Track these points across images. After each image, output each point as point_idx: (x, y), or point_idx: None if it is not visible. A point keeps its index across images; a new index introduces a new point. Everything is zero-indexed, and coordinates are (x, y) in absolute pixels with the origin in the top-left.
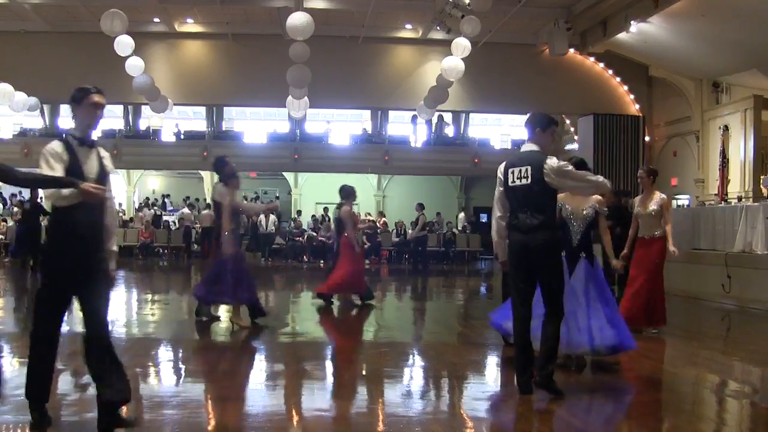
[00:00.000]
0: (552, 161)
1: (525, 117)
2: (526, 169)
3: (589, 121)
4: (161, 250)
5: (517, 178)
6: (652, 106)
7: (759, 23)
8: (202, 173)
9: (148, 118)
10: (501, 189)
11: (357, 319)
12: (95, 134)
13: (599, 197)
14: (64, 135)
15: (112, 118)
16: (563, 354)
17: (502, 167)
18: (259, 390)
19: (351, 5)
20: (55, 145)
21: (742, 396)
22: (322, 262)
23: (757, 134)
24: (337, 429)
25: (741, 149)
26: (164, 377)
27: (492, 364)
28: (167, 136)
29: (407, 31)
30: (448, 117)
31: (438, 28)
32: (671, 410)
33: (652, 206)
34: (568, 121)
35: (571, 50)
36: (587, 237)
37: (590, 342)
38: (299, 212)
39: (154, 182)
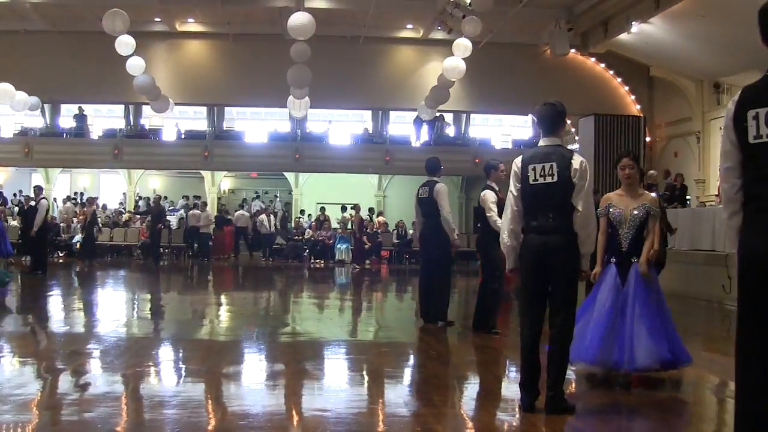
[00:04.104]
0: (580, 159)
1: (525, 117)
2: (551, 166)
3: (590, 122)
4: (162, 250)
5: (540, 176)
6: (653, 106)
7: (758, 24)
8: (203, 173)
9: (149, 118)
10: (519, 186)
11: (357, 319)
12: (95, 133)
13: (652, 196)
14: None
15: (113, 118)
16: (606, 371)
17: (518, 163)
18: (259, 390)
19: (352, 5)
20: None
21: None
22: (321, 261)
23: None
24: (337, 429)
25: None
26: (164, 377)
27: (493, 363)
28: (168, 136)
29: (408, 31)
30: (449, 117)
31: (439, 28)
32: (671, 410)
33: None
34: (569, 122)
35: (572, 51)
36: (638, 240)
37: (634, 360)
38: (302, 212)
39: (154, 182)
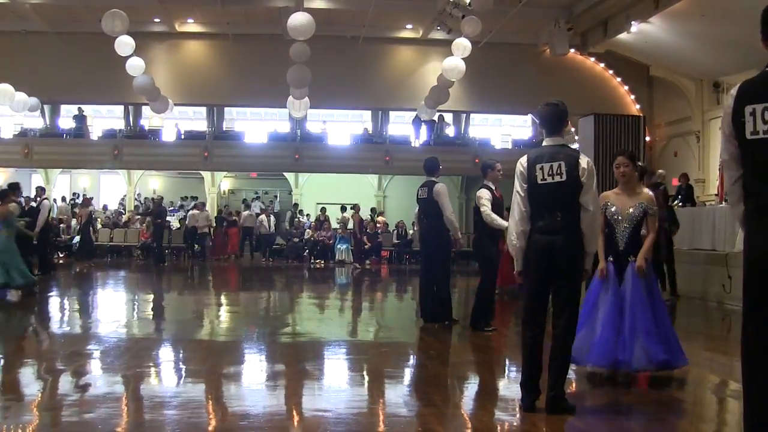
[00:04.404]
0: (587, 159)
1: (525, 116)
2: (560, 165)
3: (590, 121)
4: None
5: (549, 175)
6: (653, 106)
7: (759, 23)
8: (203, 173)
9: (149, 119)
10: (525, 186)
11: (357, 319)
12: (95, 134)
13: (649, 195)
14: None
15: (113, 119)
16: (610, 371)
17: (524, 163)
18: (260, 390)
19: (352, 5)
20: None
21: (742, 396)
22: (321, 262)
23: None
24: (338, 429)
25: None
26: (165, 377)
27: (493, 363)
28: (168, 137)
29: (408, 32)
30: (448, 117)
31: (439, 28)
32: (671, 410)
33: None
34: (568, 121)
35: (572, 50)
36: (635, 239)
37: (632, 358)
38: (301, 212)
39: (154, 182)
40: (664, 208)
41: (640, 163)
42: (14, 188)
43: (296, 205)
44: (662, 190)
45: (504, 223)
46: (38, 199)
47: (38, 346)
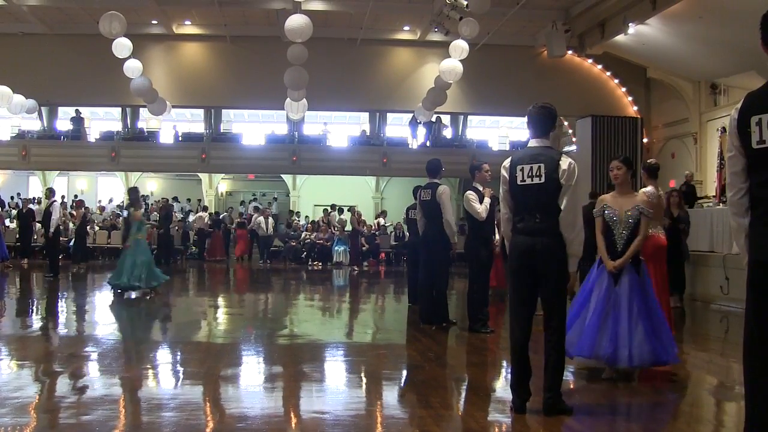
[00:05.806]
0: (569, 161)
1: (523, 118)
2: (539, 167)
3: (588, 123)
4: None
5: (528, 177)
6: (650, 107)
7: (757, 25)
8: (201, 175)
9: (147, 121)
10: (506, 188)
11: (355, 321)
12: (92, 136)
13: (644, 197)
14: None
15: (110, 121)
16: (607, 368)
17: (507, 164)
18: (257, 392)
19: (349, 7)
20: None
21: (740, 398)
22: (319, 263)
23: None
24: (335, 431)
25: None
26: (163, 379)
27: (490, 365)
28: (165, 139)
29: (405, 33)
30: (446, 119)
31: (436, 30)
32: (669, 412)
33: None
34: (566, 123)
35: (569, 52)
36: (633, 241)
37: (629, 356)
38: (298, 213)
39: (152, 184)
40: (683, 209)
41: (651, 161)
42: (139, 193)
43: (338, 207)
44: (685, 190)
45: (478, 206)
46: (47, 200)
47: (35, 348)
